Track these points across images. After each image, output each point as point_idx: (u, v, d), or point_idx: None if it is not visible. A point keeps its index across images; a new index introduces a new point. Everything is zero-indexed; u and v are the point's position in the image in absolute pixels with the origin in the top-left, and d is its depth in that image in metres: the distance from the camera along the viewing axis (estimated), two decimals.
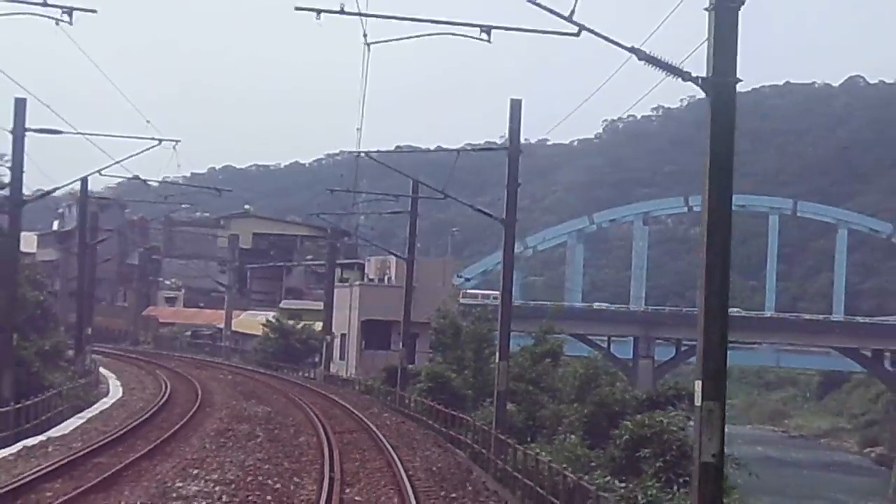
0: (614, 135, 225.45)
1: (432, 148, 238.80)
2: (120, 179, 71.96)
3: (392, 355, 66.35)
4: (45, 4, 25.96)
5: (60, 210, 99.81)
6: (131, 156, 40.21)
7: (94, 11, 26.63)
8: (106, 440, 25.61)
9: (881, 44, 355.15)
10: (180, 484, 19.78)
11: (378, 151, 40.89)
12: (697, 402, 14.90)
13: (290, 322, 73.64)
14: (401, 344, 53.55)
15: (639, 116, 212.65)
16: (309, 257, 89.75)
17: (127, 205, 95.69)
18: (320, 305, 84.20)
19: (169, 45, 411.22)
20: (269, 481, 20.80)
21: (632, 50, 16.68)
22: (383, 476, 23.09)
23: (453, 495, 21.84)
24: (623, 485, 23.48)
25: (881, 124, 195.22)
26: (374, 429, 32.66)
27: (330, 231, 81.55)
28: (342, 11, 19.98)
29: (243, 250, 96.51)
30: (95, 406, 36.70)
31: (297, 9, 19.73)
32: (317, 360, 70.31)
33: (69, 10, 25.77)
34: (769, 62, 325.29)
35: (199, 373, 57.51)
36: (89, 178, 51.28)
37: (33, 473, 19.88)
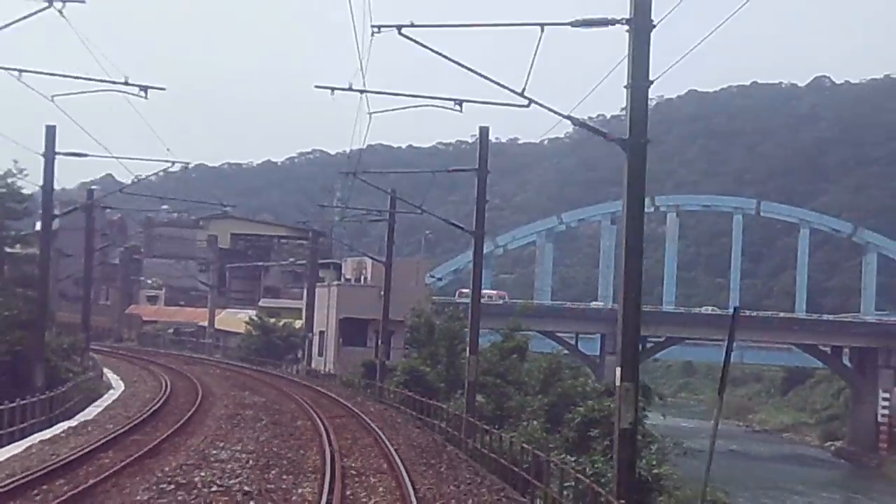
0: (584, 134, 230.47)
1: (404, 146, 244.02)
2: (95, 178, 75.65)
3: (368, 351, 71.38)
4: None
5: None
6: (150, 175, 46.14)
7: (162, 89, 31.40)
8: (133, 422, 30.29)
9: (847, 44, 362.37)
10: (214, 451, 24.63)
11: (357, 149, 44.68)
12: (618, 382, 19.93)
13: (272, 320, 78.52)
14: (379, 341, 58.43)
15: (608, 116, 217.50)
16: (291, 259, 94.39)
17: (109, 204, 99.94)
18: (298, 304, 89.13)
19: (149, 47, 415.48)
20: (282, 452, 25.71)
21: (567, 117, 22.37)
22: (373, 450, 28.00)
23: (432, 461, 26.75)
24: (574, 459, 28.48)
25: (846, 124, 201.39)
26: (361, 414, 37.65)
27: (311, 234, 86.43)
28: (350, 89, 26.22)
29: (222, 250, 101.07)
30: (107, 396, 41.29)
31: (317, 87, 27.05)
32: (298, 355, 75.14)
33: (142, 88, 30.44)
34: (737, 62, 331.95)
35: (190, 368, 62.08)
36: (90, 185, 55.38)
37: (89, 446, 24.67)
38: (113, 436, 26.70)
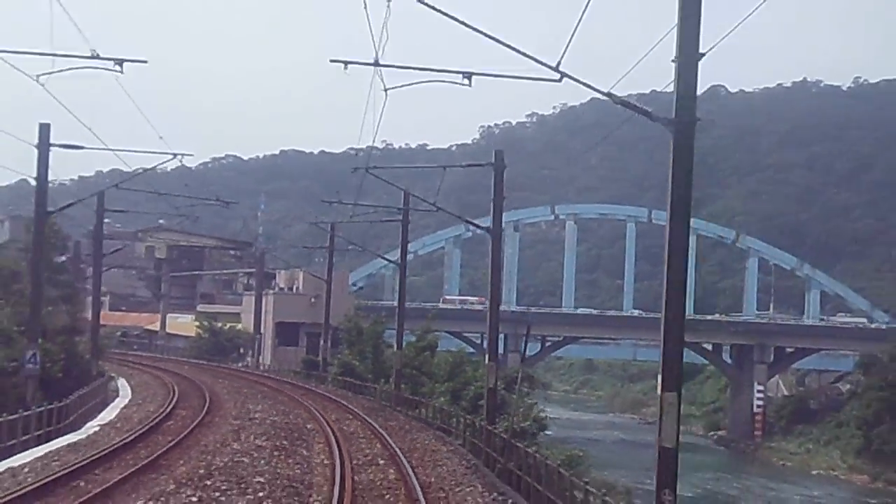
0: (490, 140, 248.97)
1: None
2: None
3: (300, 350, 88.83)
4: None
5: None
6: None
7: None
8: (163, 411, 45.53)
9: (741, 55, 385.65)
10: (251, 406, 41.79)
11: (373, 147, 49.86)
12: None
13: (218, 324, 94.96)
14: (322, 341, 75.65)
15: (514, 122, 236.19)
16: (241, 273, 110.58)
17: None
18: (232, 309, 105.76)
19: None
20: (289, 413, 42.47)
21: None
22: (339, 408, 44.91)
23: (379, 415, 43.57)
24: (466, 416, 45.93)
25: (741, 132, 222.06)
26: (319, 392, 54.87)
27: (239, 243, 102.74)
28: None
29: (159, 259, 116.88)
30: (121, 393, 56.24)
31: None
32: (241, 353, 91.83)
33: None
34: (636, 72, 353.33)
35: (165, 365, 76.53)
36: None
37: (136, 433, 39.44)
38: (154, 424, 42.28)
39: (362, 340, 72.96)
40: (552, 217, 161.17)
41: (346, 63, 27.06)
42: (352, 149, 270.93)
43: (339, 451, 28.64)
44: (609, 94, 20.42)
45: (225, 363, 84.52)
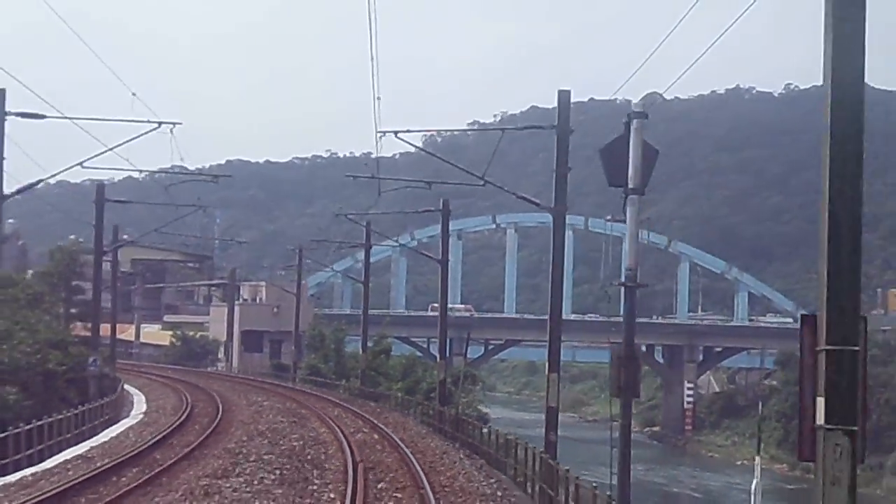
0: (433, 148, 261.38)
1: (262, 161, 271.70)
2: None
3: (264, 356, 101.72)
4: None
5: None
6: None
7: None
8: (186, 402, 58.27)
9: (675, 62, 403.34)
10: (254, 398, 54.53)
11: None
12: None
13: (190, 333, 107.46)
14: (292, 346, 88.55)
15: (456, 132, 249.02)
16: (202, 285, 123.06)
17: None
18: (195, 318, 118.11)
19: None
20: (279, 399, 55.51)
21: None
22: (319, 400, 57.65)
23: (352, 404, 56.46)
24: (424, 402, 59.10)
25: (675, 137, 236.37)
26: (298, 388, 67.74)
27: (197, 256, 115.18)
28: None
29: (124, 273, 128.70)
30: (133, 391, 68.18)
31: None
32: (210, 359, 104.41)
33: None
34: (571, 82, 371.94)
35: (150, 370, 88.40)
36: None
37: (182, 414, 52.86)
38: (181, 421, 55.50)
39: (325, 345, 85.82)
40: (493, 226, 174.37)
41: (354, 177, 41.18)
42: (296, 158, 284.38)
43: (335, 424, 41.61)
44: (513, 192, 33.86)
45: (200, 367, 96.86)
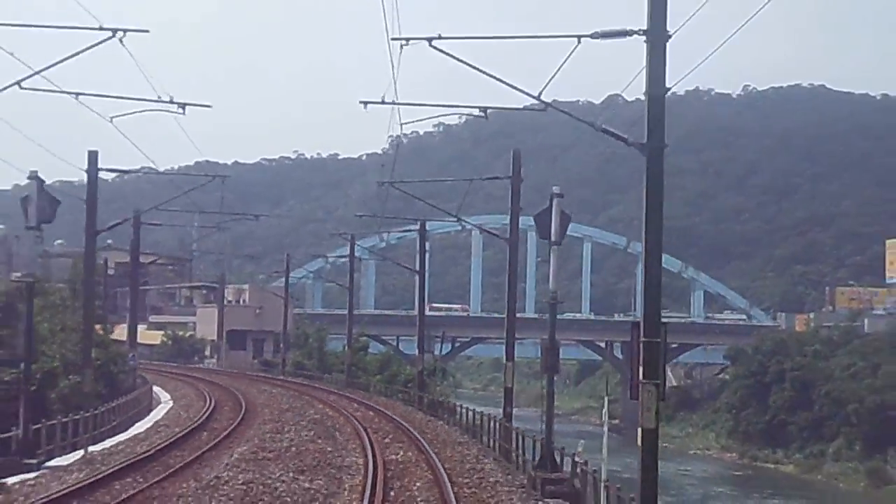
0: (399, 150, 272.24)
1: (230, 162, 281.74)
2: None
3: (247, 353, 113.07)
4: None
5: None
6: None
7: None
8: (207, 393, 69.57)
9: (634, 64, 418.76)
10: (263, 388, 65.89)
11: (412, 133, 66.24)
12: (419, 367, 62.06)
13: (180, 333, 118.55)
14: (280, 345, 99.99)
15: (422, 133, 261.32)
16: (185, 287, 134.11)
17: None
18: (179, 319, 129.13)
19: None
20: (282, 389, 66.78)
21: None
22: (314, 389, 68.75)
23: (342, 391, 68.18)
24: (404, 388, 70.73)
25: (635, 138, 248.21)
26: (291, 381, 79.12)
27: (176, 259, 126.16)
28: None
29: (109, 276, 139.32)
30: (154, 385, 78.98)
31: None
32: (198, 357, 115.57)
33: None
34: (533, 85, 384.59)
35: (150, 367, 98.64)
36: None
37: (207, 411, 64.21)
38: (211, 410, 66.63)
39: (308, 343, 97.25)
40: (459, 227, 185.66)
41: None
42: (265, 159, 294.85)
43: (337, 405, 53.12)
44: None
45: (190, 364, 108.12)
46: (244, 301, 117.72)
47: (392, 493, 25.65)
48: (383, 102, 32.91)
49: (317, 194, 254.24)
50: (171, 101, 33.79)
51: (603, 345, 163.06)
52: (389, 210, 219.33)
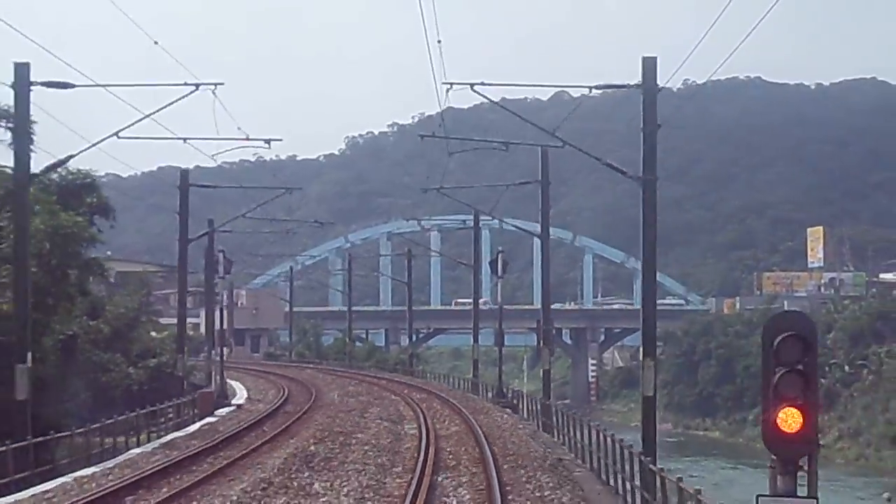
0: (355, 150, 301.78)
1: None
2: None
3: (245, 348, 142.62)
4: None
5: None
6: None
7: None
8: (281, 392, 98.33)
9: (581, 61, 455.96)
10: (293, 372, 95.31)
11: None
12: (409, 353, 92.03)
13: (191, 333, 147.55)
14: (289, 339, 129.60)
15: (376, 132, 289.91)
16: (190, 290, 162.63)
17: None
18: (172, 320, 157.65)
19: None
20: (306, 372, 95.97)
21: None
22: (325, 371, 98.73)
23: (346, 371, 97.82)
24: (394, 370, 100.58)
25: (582, 134, 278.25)
26: (304, 365, 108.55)
27: (165, 266, 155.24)
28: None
29: (110, 284, 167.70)
30: None
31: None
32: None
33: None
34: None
35: None
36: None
37: (282, 396, 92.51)
38: (277, 406, 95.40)
39: (307, 337, 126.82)
40: (419, 229, 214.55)
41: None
42: (225, 163, 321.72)
43: (360, 378, 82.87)
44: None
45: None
46: (241, 303, 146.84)
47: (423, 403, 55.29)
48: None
49: (275, 195, 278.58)
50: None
51: (553, 331, 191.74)
52: (348, 207, 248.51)
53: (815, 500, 15.40)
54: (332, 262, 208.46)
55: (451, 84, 39.30)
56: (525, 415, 57.90)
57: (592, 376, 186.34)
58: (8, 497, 30.49)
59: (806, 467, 15.26)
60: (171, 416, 54.55)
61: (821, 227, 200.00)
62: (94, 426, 43.37)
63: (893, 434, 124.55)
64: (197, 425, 51.50)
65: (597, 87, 41.95)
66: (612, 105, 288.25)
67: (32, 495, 30.00)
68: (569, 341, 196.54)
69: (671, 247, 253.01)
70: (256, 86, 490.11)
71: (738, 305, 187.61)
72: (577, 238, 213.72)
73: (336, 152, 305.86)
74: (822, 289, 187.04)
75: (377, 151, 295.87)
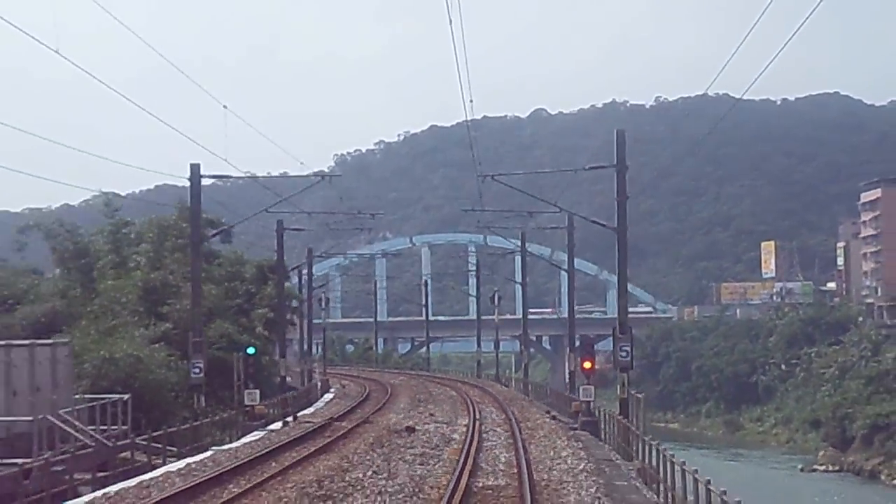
0: (344, 167, 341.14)
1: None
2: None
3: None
4: None
5: None
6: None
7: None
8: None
9: (560, 78, 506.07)
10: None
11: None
12: (426, 357, 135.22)
13: None
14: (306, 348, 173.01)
15: (364, 150, 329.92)
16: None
17: None
18: None
19: None
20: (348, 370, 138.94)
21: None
22: (364, 371, 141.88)
23: (382, 371, 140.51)
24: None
25: (559, 149, 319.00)
26: (338, 367, 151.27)
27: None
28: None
29: None
30: None
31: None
32: None
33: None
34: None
35: None
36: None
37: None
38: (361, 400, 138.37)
39: (333, 345, 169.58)
40: (410, 245, 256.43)
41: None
42: (218, 179, 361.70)
43: (398, 373, 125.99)
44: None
45: None
46: None
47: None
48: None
49: (267, 213, 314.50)
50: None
51: (534, 338, 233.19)
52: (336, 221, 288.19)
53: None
54: (333, 277, 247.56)
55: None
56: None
57: (569, 379, 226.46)
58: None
59: None
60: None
61: (773, 241, 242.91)
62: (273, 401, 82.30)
63: (814, 419, 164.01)
64: (313, 408, 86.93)
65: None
66: (592, 120, 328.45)
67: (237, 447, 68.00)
68: (548, 347, 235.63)
69: (643, 258, 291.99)
70: (250, 106, 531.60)
71: (696, 313, 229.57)
72: (556, 253, 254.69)
73: (326, 170, 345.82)
74: (774, 297, 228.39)
75: (365, 168, 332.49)
